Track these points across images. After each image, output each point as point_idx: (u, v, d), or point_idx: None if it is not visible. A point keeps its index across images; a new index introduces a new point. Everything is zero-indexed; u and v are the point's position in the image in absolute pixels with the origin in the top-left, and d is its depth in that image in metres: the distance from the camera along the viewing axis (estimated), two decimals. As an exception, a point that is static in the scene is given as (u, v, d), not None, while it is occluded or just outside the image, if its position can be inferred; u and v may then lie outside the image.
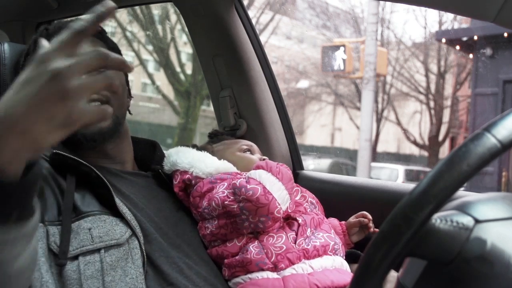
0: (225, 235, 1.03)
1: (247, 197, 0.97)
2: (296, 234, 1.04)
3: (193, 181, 1.08)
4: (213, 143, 1.27)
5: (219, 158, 1.15)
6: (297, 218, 1.07)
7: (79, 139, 1.00)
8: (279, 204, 0.98)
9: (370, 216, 1.21)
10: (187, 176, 1.09)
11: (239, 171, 1.10)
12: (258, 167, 1.04)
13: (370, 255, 0.49)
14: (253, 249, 1.00)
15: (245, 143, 1.25)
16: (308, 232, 1.05)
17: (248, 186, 0.98)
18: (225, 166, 1.11)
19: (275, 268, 0.99)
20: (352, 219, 1.24)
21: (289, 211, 1.07)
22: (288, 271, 0.98)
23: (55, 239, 0.87)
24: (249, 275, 1.00)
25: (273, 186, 0.99)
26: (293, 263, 0.99)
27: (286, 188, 1.00)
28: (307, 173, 1.61)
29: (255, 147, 1.26)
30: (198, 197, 1.06)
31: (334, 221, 1.23)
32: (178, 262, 0.96)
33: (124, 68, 0.63)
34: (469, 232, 0.50)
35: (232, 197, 1.00)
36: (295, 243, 1.02)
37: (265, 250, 1.00)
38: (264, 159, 1.21)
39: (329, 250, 1.04)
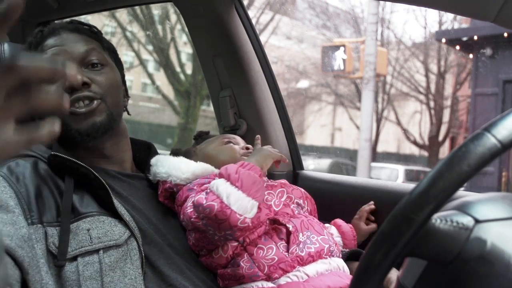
0: (205, 246, 1.02)
1: (205, 215, 0.94)
2: (288, 242, 1.01)
3: (174, 189, 1.07)
4: (197, 144, 1.26)
5: (203, 157, 1.15)
6: (287, 225, 1.03)
7: (73, 135, 1.00)
8: (240, 215, 0.92)
9: (372, 205, 1.31)
10: (168, 185, 1.07)
11: (216, 173, 1.06)
12: (218, 175, 1.00)
13: (370, 255, 0.49)
14: (244, 264, 0.99)
15: (227, 136, 1.24)
16: (300, 237, 1.02)
17: (205, 203, 0.94)
18: (201, 167, 1.09)
19: (269, 278, 0.98)
20: (355, 219, 1.28)
21: (273, 214, 1.05)
22: (283, 280, 0.97)
23: (53, 240, 0.87)
24: (244, 286, 0.99)
25: (230, 197, 0.93)
26: (287, 272, 0.98)
27: (248, 195, 0.94)
28: (307, 173, 1.61)
29: (238, 138, 1.24)
30: (180, 206, 1.05)
31: (345, 226, 1.25)
32: (178, 263, 0.96)
33: (55, 78, 0.48)
34: (469, 232, 0.50)
35: (196, 214, 0.96)
36: (287, 251, 1.00)
37: (256, 264, 0.98)
38: (247, 148, 1.19)
39: (324, 254, 1.02)
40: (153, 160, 1.12)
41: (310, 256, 1.00)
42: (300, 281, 0.97)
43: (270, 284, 0.98)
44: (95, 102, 1.01)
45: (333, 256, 1.04)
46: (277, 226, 1.04)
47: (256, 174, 0.97)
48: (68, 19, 1.17)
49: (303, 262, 0.99)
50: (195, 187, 1.03)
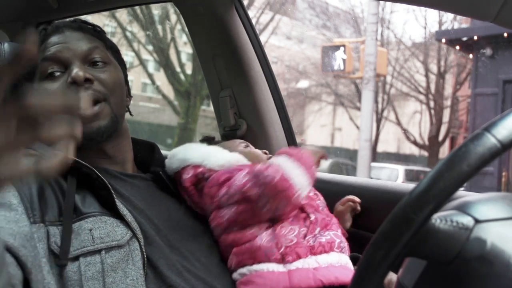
0: (245, 220, 1.03)
1: (266, 183, 0.98)
2: (306, 231, 1.05)
3: (206, 174, 1.09)
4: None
5: None
6: (310, 215, 1.07)
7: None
8: (298, 190, 0.99)
9: (357, 199, 1.28)
10: (200, 169, 1.10)
11: (250, 163, 1.11)
12: (280, 153, 1.07)
13: (370, 255, 0.49)
14: (264, 236, 1.01)
15: (241, 141, 1.27)
16: (316, 231, 1.05)
17: (268, 172, 0.99)
18: (236, 158, 1.13)
19: (282, 260, 0.99)
20: (339, 207, 1.28)
21: (305, 201, 1.08)
22: (294, 265, 0.98)
23: (55, 240, 0.87)
24: (255, 267, 0.99)
25: (293, 171, 0.99)
26: (300, 258, 0.99)
27: (306, 174, 1.01)
28: (307, 173, 1.61)
29: (250, 145, 1.28)
30: (215, 186, 1.06)
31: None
32: (177, 265, 0.96)
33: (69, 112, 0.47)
34: (469, 232, 0.50)
35: (251, 183, 1.00)
36: (304, 238, 1.03)
37: (275, 240, 1.00)
38: (265, 153, 1.24)
39: (335, 247, 1.04)
40: (179, 149, 1.15)
41: (321, 246, 1.02)
42: (310, 268, 0.98)
43: (281, 267, 0.98)
44: (98, 105, 1.01)
45: (342, 252, 1.06)
46: (304, 215, 1.08)
47: (312, 160, 1.04)
48: (71, 18, 1.17)
49: (314, 251, 1.01)
50: (235, 171, 1.06)
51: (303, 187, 1.00)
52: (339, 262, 1.02)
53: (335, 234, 1.07)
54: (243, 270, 1.01)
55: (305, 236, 1.03)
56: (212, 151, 1.14)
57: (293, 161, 1.02)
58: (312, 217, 1.07)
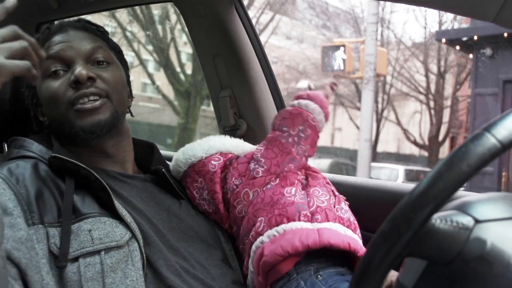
0: (277, 164, 1.10)
1: (281, 115, 1.15)
2: (335, 201, 1.09)
3: (233, 160, 1.16)
4: None
5: None
6: (334, 191, 1.13)
7: (77, 132, 1.00)
8: (311, 113, 1.13)
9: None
10: (230, 155, 1.17)
11: None
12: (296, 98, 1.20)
13: (370, 255, 0.49)
14: (299, 194, 1.05)
15: None
16: (342, 204, 1.10)
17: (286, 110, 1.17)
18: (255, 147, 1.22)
19: (312, 218, 1.00)
20: None
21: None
22: (323, 225, 0.99)
23: (55, 241, 0.87)
24: (284, 226, 0.99)
25: (301, 101, 1.15)
26: (328, 220, 1.00)
27: (315, 102, 1.15)
28: (307, 173, 1.61)
29: None
30: (245, 163, 1.14)
31: None
32: (176, 266, 0.95)
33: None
34: (469, 232, 0.50)
35: (276, 123, 1.16)
36: (334, 207, 1.06)
37: (308, 198, 1.04)
38: None
39: (357, 233, 1.06)
40: (205, 139, 1.20)
41: (350, 222, 1.05)
42: (338, 230, 0.99)
43: (310, 226, 0.99)
44: (100, 100, 1.01)
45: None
46: (328, 185, 1.15)
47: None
48: (75, 18, 1.17)
49: (343, 222, 1.03)
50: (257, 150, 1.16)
51: (316, 112, 1.14)
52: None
53: (355, 222, 1.09)
54: (271, 232, 1.00)
55: (334, 205, 1.07)
56: (238, 142, 1.23)
57: (302, 100, 1.16)
58: (336, 193, 1.13)
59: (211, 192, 1.12)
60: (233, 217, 1.12)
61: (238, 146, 1.20)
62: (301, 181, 1.12)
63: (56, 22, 1.19)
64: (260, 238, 1.02)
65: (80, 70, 1.00)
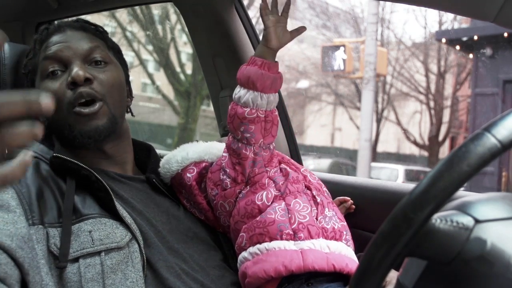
0: (241, 173, 1.06)
1: (226, 119, 1.07)
2: (317, 212, 1.05)
3: (208, 168, 1.13)
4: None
5: None
6: (317, 197, 1.07)
7: (76, 136, 1.00)
8: (245, 107, 1.03)
9: (347, 198, 1.32)
10: (204, 164, 1.12)
11: None
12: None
13: (370, 255, 0.49)
14: (279, 210, 1.01)
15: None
16: (326, 211, 1.05)
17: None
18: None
19: (294, 236, 0.98)
20: None
21: (307, 182, 1.10)
22: (306, 245, 0.97)
23: (55, 241, 0.87)
24: (266, 245, 0.98)
25: (236, 93, 1.05)
26: (312, 238, 0.99)
27: (251, 89, 1.03)
28: (307, 173, 1.61)
29: None
30: (217, 171, 1.10)
31: None
32: (175, 267, 0.95)
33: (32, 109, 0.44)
34: (469, 232, 0.50)
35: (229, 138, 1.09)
36: (316, 219, 1.02)
37: (289, 215, 1.00)
38: None
39: (343, 238, 1.04)
40: (175, 151, 1.16)
41: (334, 231, 1.02)
42: (323, 251, 0.97)
43: (293, 245, 0.97)
44: (97, 104, 1.01)
45: (348, 246, 1.06)
46: (313, 196, 1.08)
47: (255, 66, 1.03)
48: (74, 18, 1.17)
49: (326, 234, 1.01)
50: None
51: (250, 103, 1.03)
52: (346, 253, 1.02)
53: (343, 226, 1.07)
54: (253, 249, 1.00)
55: (316, 217, 1.03)
56: (211, 145, 1.17)
57: (238, 86, 1.06)
58: (319, 199, 1.07)
59: (196, 203, 1.12)
60: (222, 225, 1.12)
61: (211, 152, 1.15)
62: (273, 177, 1.08)
63: (55, 22, 1.18)
64: (243, 253, 1.02)
65: (77, 70, 1.00)
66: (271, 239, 0.99)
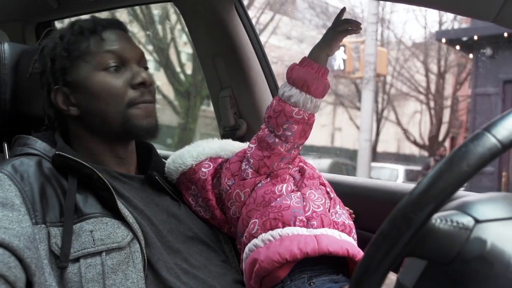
0: (267, 166, 1.07)
1: (267, 112, 1.07)
2: (330, 205, 1.07)
3: (224, 164, 1.14)
4: None
5: None
6: (330, 194, 1.09)
7: (132, 131, 1.04)
8: (294, 107, 1.03)
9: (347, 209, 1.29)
10: (220, 160, 1.14)
11: None
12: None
13: (370, 255, 0.49)
14: (294, 198, 1.02)
15: None
16: (337, 208, 1.07)
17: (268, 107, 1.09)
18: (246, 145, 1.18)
19: (307, 223, 0.98)
20: None
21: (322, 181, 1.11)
22: (319, 231, 0.98)
23: (56, 241, 0.87)
24: (280, 231, 0.98)
25: (286, 91, 1.04)
26: (323, 226, 0.99)
27: (304, 91, 1.03)
28: (307, 173, 1.61)
29: None
30: (237, 162, 1.12)
31: None
32: (175, 268, 0.95)
33: None
34: (469, 232, 0.50)
35: (263, 125, 1.09)
36: (328, 211, 1.04)
37: (304, 203, 1.01)
38: None
39: (352, 235, 1.05)
40: (192, 145, 1.17)
41: (344, 226, 1.03)
42: (335, 236, 0.98)
43: (306, 232, 0.97)
44: (152, 104, 1.07)
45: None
46: (322, 186, 1.10)
47: (312, 70, 1.05)
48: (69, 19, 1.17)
49: (337, 227, 1.01)
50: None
51: (300, 104, 1.04)
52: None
53: (351, 224, 1.07)
54: (266, 236, 0.99)
55: (329, 209, 1.04)
56: (226, 142, 1.19)
57: (288, 85, 1.05)
58: (332, 195, 1.10)
59: (205, 200, 1.12)
60: (229, 218, 1.11)
61: (227, 148, 1.17)
62: (293, 175, 1.10)
63: (86, 16, 1.16)
64: (254, 241, 1.01)
65: (146, 73, 1.05)
66: (284, 225, 0.98)
